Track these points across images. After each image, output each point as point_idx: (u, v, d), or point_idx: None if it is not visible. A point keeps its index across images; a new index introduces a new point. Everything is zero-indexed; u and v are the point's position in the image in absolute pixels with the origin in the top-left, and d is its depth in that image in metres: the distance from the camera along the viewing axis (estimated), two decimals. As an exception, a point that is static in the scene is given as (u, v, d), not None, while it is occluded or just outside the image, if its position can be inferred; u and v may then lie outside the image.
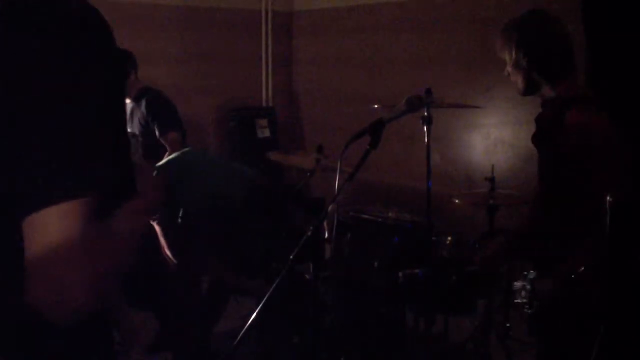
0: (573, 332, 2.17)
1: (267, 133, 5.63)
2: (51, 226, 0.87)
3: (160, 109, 3.85)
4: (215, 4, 5.46)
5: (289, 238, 3.06)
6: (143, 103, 3.85)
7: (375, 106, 3.41)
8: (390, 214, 3.29)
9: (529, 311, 2.28)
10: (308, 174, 3.51)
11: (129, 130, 3.95)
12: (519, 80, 2.28)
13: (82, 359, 1.12)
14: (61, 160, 0.90)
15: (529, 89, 2.28)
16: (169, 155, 3.87)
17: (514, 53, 2.23)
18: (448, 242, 3.13)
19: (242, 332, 1.89)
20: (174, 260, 3.39)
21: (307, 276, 3.11)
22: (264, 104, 5.91)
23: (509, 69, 2.29)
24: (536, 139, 2.31)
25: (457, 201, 3.47)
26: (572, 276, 2.12)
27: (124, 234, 1.00)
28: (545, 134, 2.24)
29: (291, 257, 2.01)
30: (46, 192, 0.88)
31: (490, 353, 3.08)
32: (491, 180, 3.30)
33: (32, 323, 1.00)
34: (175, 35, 5.24)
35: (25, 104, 0.91)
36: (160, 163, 3.44)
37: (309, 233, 2.05)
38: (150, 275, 3.68)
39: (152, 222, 3.39)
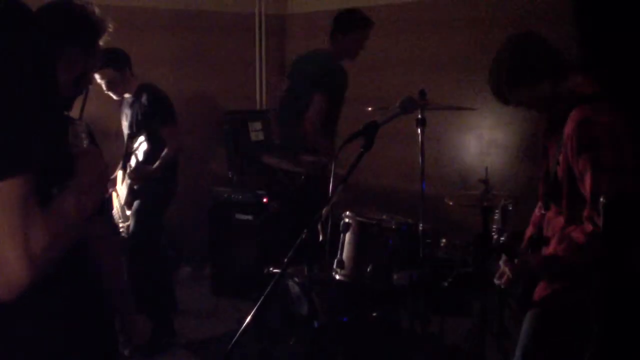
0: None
1: (261, 136, 5.62)
2: None
3: (162, 103, 4.00)
4: (209, 8, 5.46)
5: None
6: (144, 96, 3.95)
7: (369, 108, 3.42)
8: (384, 216, 3.29)
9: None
10: (302, 177, 3.51)
11: (124, 124, 4.09)
12: (538, 101, 2.29)
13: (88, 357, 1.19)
14: None
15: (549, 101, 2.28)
16: (165, 151, 3.91)
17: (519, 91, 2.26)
18: (442, 243, 3.13)
19: (237, 335, 1.89)
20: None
21: (296, 279, 3.10)
22: (258, 107, 5.91)
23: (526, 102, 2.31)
24: (546, 135, 2.34)
25: (451, 203, 3.47)
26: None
27: (65, 211, 1.04)
28: (554, 131, 2.26)
29: (285, 260, 2.00)
30: None
31: (486, 353, 3.08)
32: (485, 182, 3.30)
33: (35, 319, 1.07)
34: (169, 39, 5.23)
35: None
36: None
37: (303, 236, 2.05)
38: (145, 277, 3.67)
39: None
